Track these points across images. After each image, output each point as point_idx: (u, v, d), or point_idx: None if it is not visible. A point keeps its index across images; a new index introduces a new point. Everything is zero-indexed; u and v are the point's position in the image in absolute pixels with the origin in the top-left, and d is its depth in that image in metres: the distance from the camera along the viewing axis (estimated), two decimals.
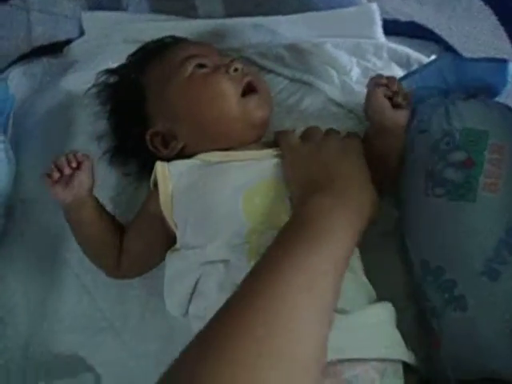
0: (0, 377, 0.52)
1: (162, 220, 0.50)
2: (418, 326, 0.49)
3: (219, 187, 0.48)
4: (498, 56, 0.54)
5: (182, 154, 0.54)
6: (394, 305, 0.45)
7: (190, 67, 0.53)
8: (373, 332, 0.41)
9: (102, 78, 0.60)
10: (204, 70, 0.53)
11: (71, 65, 0.70)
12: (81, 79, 0.67)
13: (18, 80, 0.70)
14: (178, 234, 0.49)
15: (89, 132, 0.63)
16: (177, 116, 0.54)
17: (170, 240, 0.50)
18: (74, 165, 0.52)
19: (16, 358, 0.53)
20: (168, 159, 0.53)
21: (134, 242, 0.52)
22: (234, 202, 0.47)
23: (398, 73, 0.62)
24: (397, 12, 0.70)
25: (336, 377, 0.38)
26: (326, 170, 0.45)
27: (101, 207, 0.54)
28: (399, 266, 0.53)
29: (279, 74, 0.66)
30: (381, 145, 0.51)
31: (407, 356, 0.41)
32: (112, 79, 0.60)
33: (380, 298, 0.45)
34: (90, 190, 0.53)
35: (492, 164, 0.45)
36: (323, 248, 0.36)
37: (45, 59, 0.72)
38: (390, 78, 0.52)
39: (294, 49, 0.66)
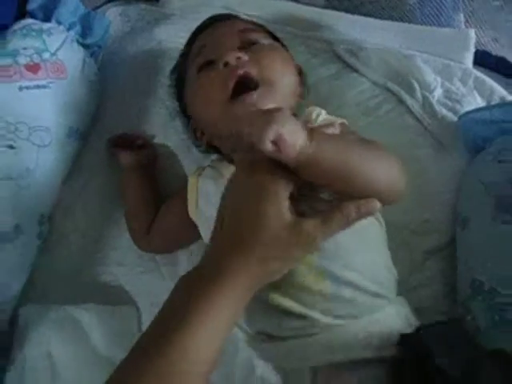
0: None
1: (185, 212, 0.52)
2: None
3: None
4: None
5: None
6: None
7: (198, 61, 0.50)
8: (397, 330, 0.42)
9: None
10: (206, 71, 0.49)
11: (167, 16, 0.72)
12: (174, 32, 0.69)
13: (112, 19, 0.72)
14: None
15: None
16: (191, 110, 0.53)
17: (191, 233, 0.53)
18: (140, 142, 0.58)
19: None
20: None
21: (165, 221, 0.55)
22: None
23: (479, 102, 0.64)
24: (487, 46, 0.72)
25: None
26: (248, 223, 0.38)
27: (151, 182, 0.58)
28: (440, 281, 0.55)
29: (363, 75, 0.68)
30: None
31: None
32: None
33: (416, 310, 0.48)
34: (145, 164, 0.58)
35: None
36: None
37: (142, 5, 0.74)
38: None
39: (384, 55, 0.68)
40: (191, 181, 0.53)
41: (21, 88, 0.49)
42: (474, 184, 0.54)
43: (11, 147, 0.47)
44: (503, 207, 0.50)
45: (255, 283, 0.37)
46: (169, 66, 0.66)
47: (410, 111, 0.65)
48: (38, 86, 0.50)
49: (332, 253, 0.42)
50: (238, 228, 0.38)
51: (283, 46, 0.58)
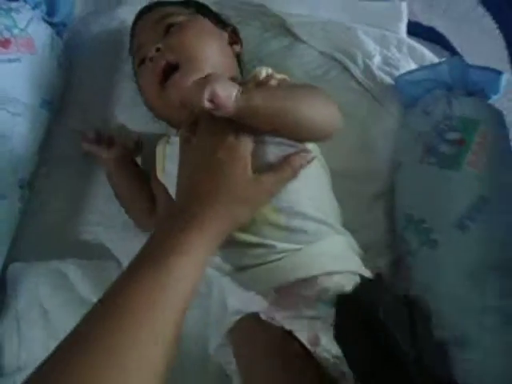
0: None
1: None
2: (393, 268, 0.61)
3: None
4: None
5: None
6: (377, 252, 0.57)
7: (136, 61, 0.58)
8: (347, 254, 0.52)
9: None
10: (142, 67, 0.56)
11: None
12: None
13: None
14: None
15: None
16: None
17: None
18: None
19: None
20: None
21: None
22: None
23: (413, 67, 0.73)
24: (419, 16, 0.81)
25: (314, 287, 0.47)
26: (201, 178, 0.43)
27: (136, 168, 0.61)
28: (383, 221, 0.64)
29: (311, 47, 0.76)
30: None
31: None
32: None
33: (364, 246, 0.56)
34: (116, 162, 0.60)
35: (478, 145, 0.56)
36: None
37: None
38: None
39: (329, 27, 0.76)
40: (159, 148, 0.58)
41: None
42: (406, 133, 0.64)
43: None
44: (429, 151, 0.59)
45: (223, 230, 0.43)
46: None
47: (353, 77, 0.73)
48: (9, 60, 0.54)
49: (282, 194, 0.49)
50: (203, 181, 0.43)
51: (210, 12, 0.62)
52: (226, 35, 0.61)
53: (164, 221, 0.43)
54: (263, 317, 0.47)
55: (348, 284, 0.48)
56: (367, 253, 0.58)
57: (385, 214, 0.64)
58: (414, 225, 0.57)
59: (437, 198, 0.56)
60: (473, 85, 0.63)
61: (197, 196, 0.43)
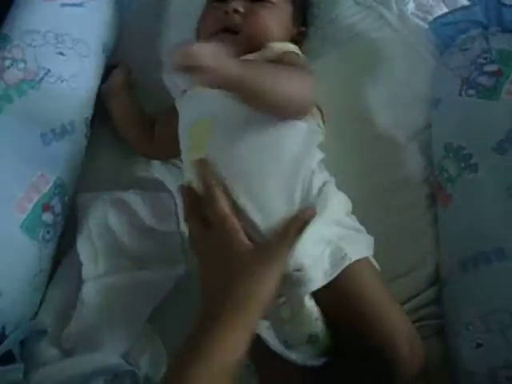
0: None
1: None
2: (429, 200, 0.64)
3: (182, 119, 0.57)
4: None
5: None
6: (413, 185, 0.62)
7: None
8: None
9: None
10: (214, 6, 0.62)
11: None
12: None
13: None
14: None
15: (182, 12, 0.74)
16: None
17: None
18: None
19: None
20: None
21: (164, 128, 0.63)
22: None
23: (445, 11, 0.75)
24: None
25: None
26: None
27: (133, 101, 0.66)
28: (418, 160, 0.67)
29: None
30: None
31: None
32: None
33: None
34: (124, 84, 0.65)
35: None
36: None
37: None
38: None
39: None
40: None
41: (62, 5, 0.58)
42: (444, 70, 0.66)
43: (61, 54, 0.56)
44: (467, 84, 0.62)
45: (251, 318, 0.43)
46: None
47: (388, 23, 0.75)
48: (75, 5, 0.59)
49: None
50: (216, 276, 0.45)
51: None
52: (294, 31, 0.67)
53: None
54: None
55: None
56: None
57: (421, 153, 0.68)
58: (453, 152, 0.60)
59: (476, 125, 0.59)
60: (508, 23, 0.65)
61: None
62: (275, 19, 0.63)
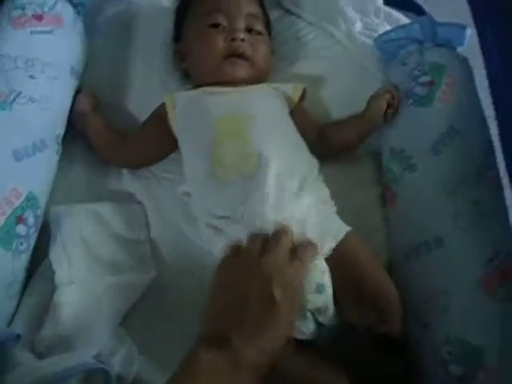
0: None
1: (163, 127, 0.66)
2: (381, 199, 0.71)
3: (203, 113, 0.64)
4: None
5: (194, 83, 0.73)
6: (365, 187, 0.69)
7: (208, 22, 0.70)
8: None
9: None
10: (214, 30, 0.69)
11: None
12: None
13: None
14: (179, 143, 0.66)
15: (148, 35, 0.80)
16: (189, 45, 0.73)
17: (167, 146, 0.68)
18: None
19: None
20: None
21: (139, 140, 0.69)
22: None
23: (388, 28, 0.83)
24: None
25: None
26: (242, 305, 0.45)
27: (102, 119, 0.71)
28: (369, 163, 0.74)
29: (299, 17, 0.86)
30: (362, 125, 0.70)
31: None
32: None
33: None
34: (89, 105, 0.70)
35: (446, 85, 0.66)
36: None
37: None
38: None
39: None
40: (168, 96, 0.67)
41: (32, 32, 0.62)
42: (388, 83, 0.73)
43: (32, 77, 0.61)
44: (406, 95, 0.69)
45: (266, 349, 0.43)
46: (143, 21, 0.81)
47: (338, 42, 0.83)
48: (43, 32, 0.63)
49: None
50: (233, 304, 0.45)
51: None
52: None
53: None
54: None
55: None
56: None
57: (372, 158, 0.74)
58: (396, 155, 0.66)
59: (414, 130, 0.66)
60: (441, 39, 0.73)
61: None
62: (268, 49, 0.74)
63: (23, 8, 0.62)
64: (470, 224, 0.57)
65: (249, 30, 0.71)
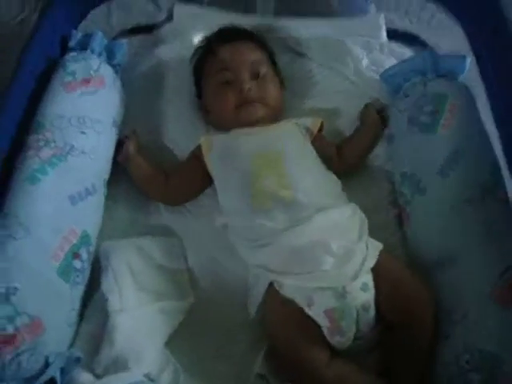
0: None
1: (200, 167, 0.77)
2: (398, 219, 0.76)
3: (239, 151, 0.74)
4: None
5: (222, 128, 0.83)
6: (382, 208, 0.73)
7: (219, 80, 0.81)
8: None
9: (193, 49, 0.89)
10: (225, 87, 0.79)
11: (162, 41, 0.97)
12: (169, 50, 0.95)
13: None
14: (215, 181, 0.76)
15: (175, 86, 0.90)
16: (208, 102, 0.84)
17: (204, 183, 0.78)
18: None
19: None
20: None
21: (178, 178, 0.79)
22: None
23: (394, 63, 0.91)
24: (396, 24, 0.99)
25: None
26: None
27: (146, 160, 0.80)
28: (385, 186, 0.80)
29: (310, 59, 0.95)
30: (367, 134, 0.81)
31: None
32: (194, 53, 0.89)
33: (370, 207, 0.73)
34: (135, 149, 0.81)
35: (449, 113, 0.72)
36: None
37: (142, 36, 0.99)
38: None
39: (322, 42, 0.95)
40: (204, 140, 0.77)
41: (80, 95, 0.74)
42: (395, 112, 0.80)
43: (83, 133, 0.71)
44: (411, 122, 0.75)
45: None
46: (171, 74, 0.92)
47: (346, 78, 0.91)
48: (89, 93, 0.74)
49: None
50: None
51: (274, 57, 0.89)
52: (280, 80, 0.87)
53: None
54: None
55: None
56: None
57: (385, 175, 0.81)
58: (407, 179, 0.72)
59: (421, 155, 0.72)
60: (443, 69, 0.80)
61: None
62: (276, 85, 0.83)
63: (73, 74, 0.74)
64: (481, 241, 0.61)
65: (256, 75, 0.80)
